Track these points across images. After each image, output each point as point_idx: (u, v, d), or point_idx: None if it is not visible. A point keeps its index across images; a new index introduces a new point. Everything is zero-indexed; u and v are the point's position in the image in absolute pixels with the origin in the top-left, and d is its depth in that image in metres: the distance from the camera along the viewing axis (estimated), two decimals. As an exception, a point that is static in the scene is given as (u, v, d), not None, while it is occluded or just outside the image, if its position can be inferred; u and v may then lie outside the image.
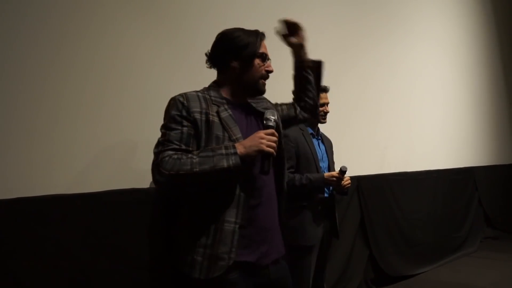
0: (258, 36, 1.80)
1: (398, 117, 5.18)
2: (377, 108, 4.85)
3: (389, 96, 5.08)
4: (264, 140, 1.60)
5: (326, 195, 2.87)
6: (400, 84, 5.29)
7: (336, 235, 2.94)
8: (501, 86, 8.07)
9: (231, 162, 1.55)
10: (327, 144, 3.08)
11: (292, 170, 2.81)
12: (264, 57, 1.80)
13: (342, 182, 2.79)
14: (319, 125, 3.04)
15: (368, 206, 4.43)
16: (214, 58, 1.80)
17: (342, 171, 2.75)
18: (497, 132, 7.71)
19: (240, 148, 1.59)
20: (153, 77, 2.57)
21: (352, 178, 2.97)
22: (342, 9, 4.54)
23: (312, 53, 4.00)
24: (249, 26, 3.20)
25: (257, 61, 1.77)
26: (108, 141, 2.42)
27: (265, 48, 1.82)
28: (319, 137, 3.03)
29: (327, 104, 2.96)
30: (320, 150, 2.96)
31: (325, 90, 2.96)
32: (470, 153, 6.74)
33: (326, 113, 2.95)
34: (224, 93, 1.78)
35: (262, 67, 1.79)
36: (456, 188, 6.16)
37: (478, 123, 7.12)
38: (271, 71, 1.81)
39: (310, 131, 2.96)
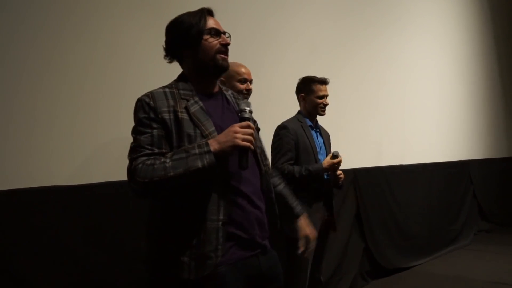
0: (202, 13, 1.69)
1: (394, 110, 5.19)
2: (374, 102, 4.85)
3: (386, 90, 5.08)
4: (239, 134, 1.52)
5: (324, 187, 2.87)
6: (397, 77, 5.29)
7: (333, 227, 2.94)
8: (496, 80, 8.10)
9: (205, 162, 1.48)
10: (325, 136, 3.08)
11: (292, 162, 2.80)
12: (214, 32, 1.68)
13: (337, 173, 2.83)
14: (318, 117, 3.03)
15: (364, 199, 4.44)
16: (169, 51, 1.72)
17: (335, 156, 2.77)
18: (492, 126, 7.75)
19: (214, 144, 1.51)
20: (151, 72, 2.55)
21: (348, 171, 2.98)
22: (339, 2, 4.52)
23: (310, 46, 4.00)
24: (247, 22, 3.20)
25: (206, 38, 1.66)
26: (106, 134, 2.41)
27: (215, 23, 1.70)
28: (318, 129, 3.03)
29: (326, 96, 2.94)
30: (318, 142, 2.96)
31: (325, 82, 2.95)
32: (465, 147, 6.76)
33: (325, 105, 2.94)
34: (193, 83, 1.68)
35: (215, 42, 1.67)
36: (451, 181, 6.19)
37: (474, 117, 7.15)
38: (226, 44, 1.69)
39: (309, 123, 2.96)
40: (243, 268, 1.63)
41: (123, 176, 2.31)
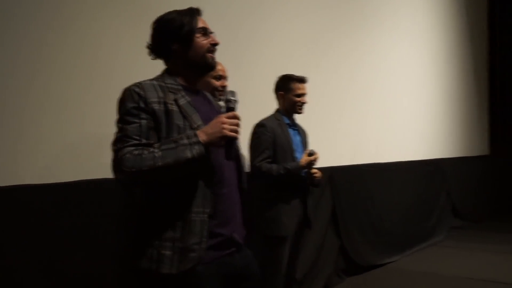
0: (193, 12, 1.72)
1: (371, 109, 5.23)
2: (351, 100, 4.87)
3: (363, 88, 5.11)
4: (226, 124, 1.53)
5: (300, 184, 2.88)
6: (374, 76, 5.32)
7: (308, 225, 2.95)
8: (471, 81, 8.23)
9: (194, 152, 1.49)
10: (303, 135, 3.08)
11: (269, 160, 2.80)
12: (205, 31, 1.71)
13: (314, 172, 2.86)
14: (295, 116, 3.03)
15: (340, 197, 4.47)
16: (156, 47, 1.72)
17: (310, 154, 2.80)
18: (466, 125, 7.89)
19: (202, 135, 1.52)
20: (123, 69, 2.52)
21: (325, 169, 2.99)
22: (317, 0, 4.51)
23: (289, 45, 3.99)
24: (225, 20, 3.16)
25: (197, 37, 1.69)
26: (79, 131, 2.36)
27: (204, 22, 1.74)
28: (295, 128, 3.03)
29: (305, 94, 2.94)
30: (296, 140, 2.96)
31: (304, 80, 2.95)
32: (439, 145, 6.87)
33: (303, 103, 2.94)
34: (179, 79, 1.70)
35: (205, 41, 1.70)
36: (426, 179, 6.28)
37: (449, 117, 7.26)
38: (216, 43, 1.73)
39: (287, 121, 2.96)
40: (220, 266, 1.63)
41: (97, 174, 2.30)
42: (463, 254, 5.38)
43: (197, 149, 1.50)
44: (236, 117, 1.57)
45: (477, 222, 7.23)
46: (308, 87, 3.01)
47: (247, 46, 3.57)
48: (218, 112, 1.67)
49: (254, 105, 3.24)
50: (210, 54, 1.72)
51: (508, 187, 8.46)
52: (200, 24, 1.71)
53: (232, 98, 1.62)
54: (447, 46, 7.39)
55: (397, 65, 5.88)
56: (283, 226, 2.74)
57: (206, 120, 1.62)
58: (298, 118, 3.07)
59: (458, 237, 6.34)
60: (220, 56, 2.49)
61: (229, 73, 2.62)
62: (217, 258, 1.62)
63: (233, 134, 1.54)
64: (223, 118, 1.55)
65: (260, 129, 2.85)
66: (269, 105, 3.05)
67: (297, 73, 2.99)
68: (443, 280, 4.36)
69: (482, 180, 7.98)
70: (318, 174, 2.91)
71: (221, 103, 1.64)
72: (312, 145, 3.12)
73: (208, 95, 1.86)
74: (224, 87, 2.53)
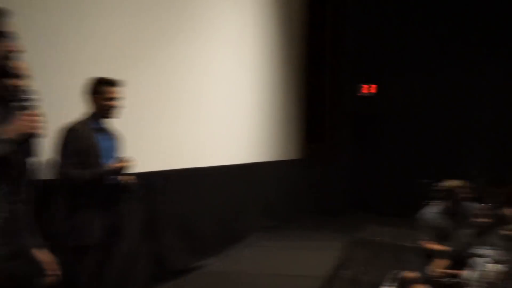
0: None
1: (190, 114, 5.31)
2: (169, 105, 4.89)
3: (183, 94, 5.17)
4: (26, 121, 1.56)
5: (108, 191, 2.81)
6: (194, 82, 5.41)
7: (118, 233, 2.91)
8: (289, 89, 8.91)
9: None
10: (115, 140, 3.01)
11: (76, 165, 2.71)
12: (5, 36, 1.64)
13: (126, 178, 2.84)
14: (111, 120, 2.95)
15: (155, 202, 4.47)
16: None
17: (121, 160, 2.80)
18: (282, 131, 8.54)
19: (2, 132, 1.50)
20: None
21: (141, 174, 2.97)
22: (139, 6, 4.44)
23: (100, 45, 3.83)
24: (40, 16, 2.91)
25: None
26: None
27: (8, 26, 1.66)
28: (107, 132, 2.95)
29: (116, 98, 2.87)
30: (106, 145, 2.89)
31: (114, 84, 2.88)
32: (256, 150, 7.30)
33: (114, 107, 2.87)
34: None
35: (2, 47, 1.64)
36: (242, 182, 6.63)
37: (266, 122, 7.74)
38: (11, 51, 1.66)
39: (97, 125, 2.87)
40: (6, 278, 1.56)
41: None
42: (272, 253, 5.83)
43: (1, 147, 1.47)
44: (35, 115, 1.59)
45: (288, 222, 7.86)
46: (124, 91, 2.96)
47: (61, 46, 3.34)
48: (14, 113, 1.62)
49: (62, 108, 3.08)
50: (8, 61, 1.67)
51: (316, 188, 9.32)
52: (2, 27, 1.63)
53: (29, 96, 1.64)
54: (268, 54, 7.86)
55: (218, 71, 6.05)
56: (87, 234, 2.68)
57: (3, 121, 1.57)
58: (114, 122, 3.00)
59: (270, 237, 6.82)
60: (27, 55, 2.32)
61: (37, 74, 2.44)
62: (5, 269, 1.55)
63: (33, 130, 1.56)
64: (22, 115, 1.56)
65: (67, 133, 2.74)
66: (79, 109, 2.91)
67: (114, 76, 2.92)
68: (256, 278, 4.69)
69: (295, 182, 8.72)
70: (130, 180, 2.87)
71: (18, 103, 1.63)
72: (128, 151, 3.07)
73: (4, 96, 1.73)
74: (23, 86, 2.36)
